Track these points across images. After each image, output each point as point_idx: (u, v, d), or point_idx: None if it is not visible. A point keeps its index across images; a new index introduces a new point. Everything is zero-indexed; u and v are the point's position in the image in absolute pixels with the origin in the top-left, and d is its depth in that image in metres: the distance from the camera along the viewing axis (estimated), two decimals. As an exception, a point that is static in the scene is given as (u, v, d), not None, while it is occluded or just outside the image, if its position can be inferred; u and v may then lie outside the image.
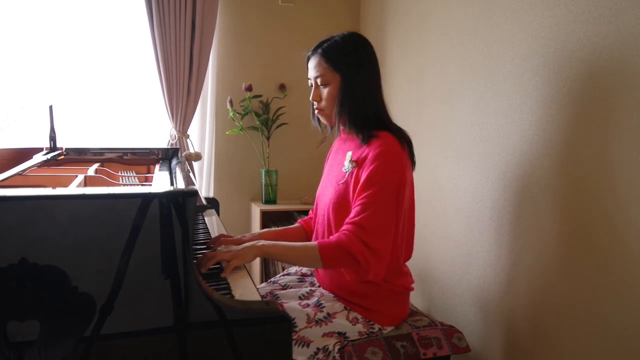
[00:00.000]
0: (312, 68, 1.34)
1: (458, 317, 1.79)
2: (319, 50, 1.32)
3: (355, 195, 1.25)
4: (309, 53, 1.36)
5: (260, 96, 2.62)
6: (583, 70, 1.24)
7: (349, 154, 1.32)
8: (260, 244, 1.21)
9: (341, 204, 1.31)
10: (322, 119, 1.39)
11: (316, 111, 1.38)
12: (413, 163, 1.34)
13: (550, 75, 1.35)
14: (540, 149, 1.39)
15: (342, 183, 1.31)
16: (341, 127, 1.36)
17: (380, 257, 1.20)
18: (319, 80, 1.32)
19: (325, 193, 1.40)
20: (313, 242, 1.23)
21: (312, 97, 1.35)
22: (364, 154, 1.27)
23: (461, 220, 1.77)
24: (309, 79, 1.37)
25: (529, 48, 1.43)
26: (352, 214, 1.23)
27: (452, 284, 1.83)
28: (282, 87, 2.68)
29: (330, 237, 1.25)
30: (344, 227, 1.22)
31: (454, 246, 1.82)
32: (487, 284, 1.62)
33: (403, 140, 1.28)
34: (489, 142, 1.61)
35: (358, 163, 1.28)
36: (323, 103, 1.34)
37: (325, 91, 1.32)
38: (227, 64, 2.64)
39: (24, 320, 0.81)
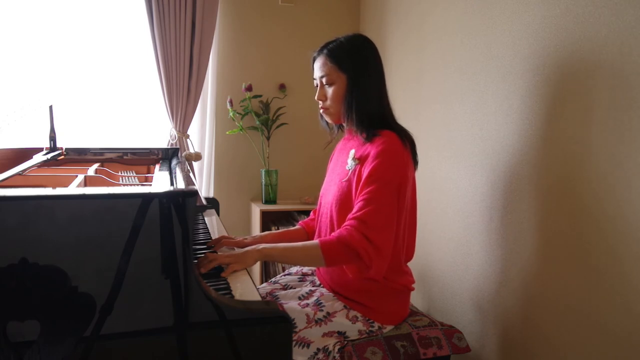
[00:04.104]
0: (318, 68, 1.36)
1: (458, 317, 1.79)
2: (325, 51, 1.34)
3: (358, 192, 1.26)
4: (315, 54, 1.39)
5: (260, 96, 2.62)
6: (583, 70, 1.24)
7: (352, 151, 1.34)
8: (261, 247, 1.21)
9: (344, 202, 1.32)
10: (327, 118, 1.42)
11: (321, 110, 1.40)
12: (415, 163, 1.35)
13: (550, 75, 1.35)
14: (540, 149, 1.39)
15: (345, 181, 1.32)
16: (347, 127, 1.40)
17: (382, 252, 1.20)
18: (324, 80, 1.35)
19: (329, 191, 1.41)
20: (314, 241, 1.23)
21: (318, 97, 1.38)
22: (366, 152, 1.29)
23: (461, 220, 1.77)
24: (314, 79, 1.40)
25: (529, 48, 1.43)
26: (354, 210, 1.24)
27: (452, 284, 1.83)
28: (282, 87, 2.68)
29: (332, 234, 1.25)
30: (346, 223, 1.23)
31: (453, 246, 1.82)
32: (487, 284, 1.62)
33: (405, 139, 1.29)
34: (488, 142, 1.61)
35: (361, 160, 1.29)
36: (328, 102, 1.36)
37: (330, 90, 1.34)
38: (227, 64, 2.64)
39: (24, 320, 0.81)
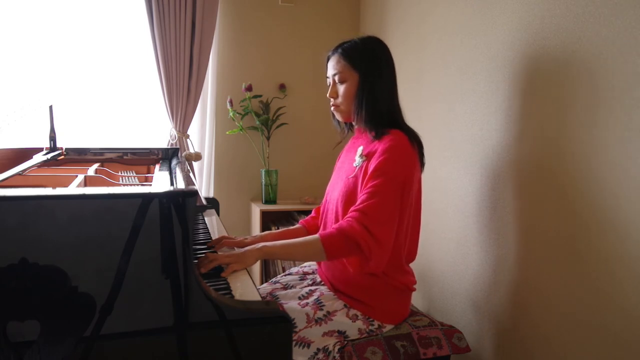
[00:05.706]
0: (332, 66, 1.39)
1: (458, 317, 1.79)
2: (339, 50, 1.37)
3: (363, 186, 1.27)
4: (329, 53, 1.42)
5: (260, 96, 2.62)
6: (584, 70, 1.24)
7: (360, 148, 1.36)
8: (260, 245, 1.22)
9: (350, 197, 1.33)
10: (338, 116, 1.44)
11: (332, 108, 1.42)
12: (422, 164, 1.37)
13: (550, 75, 1.35)
14: (540, 149, 1.39)
15: (352, 177, 1.34)
16: (356, 125, 1.43)
17: (382, 245, 1.21)
18: (337, 78, 1.37)
19: (335, 188, 1.43)
20: (314, 235, 1.24)
21: (330, 94, 1.40)
22: (374, 148, 1.30)
23: (461, 220, 1.77)
24: (327, 77, 1.43)
25: (528, 48, 1.43)
26: (357, 202, 1.25)
27: (452, 284, 1.83)
28: (282, 87, 2.68)
29: (332, 226, 1.26)
30: (347, 215, 1.24)
31: (453, 246, 1.82)
32: (487, 284, 1.62)
33: (414, 140, 1.31)
34: (488, 142, 1.61)
35: (368, 157, 1.31)
36: (339, 100, 1.39)
37: (342, 88, 1.37)
38: (227, 64, 2.64)
39: (24, 320, 0.81)
